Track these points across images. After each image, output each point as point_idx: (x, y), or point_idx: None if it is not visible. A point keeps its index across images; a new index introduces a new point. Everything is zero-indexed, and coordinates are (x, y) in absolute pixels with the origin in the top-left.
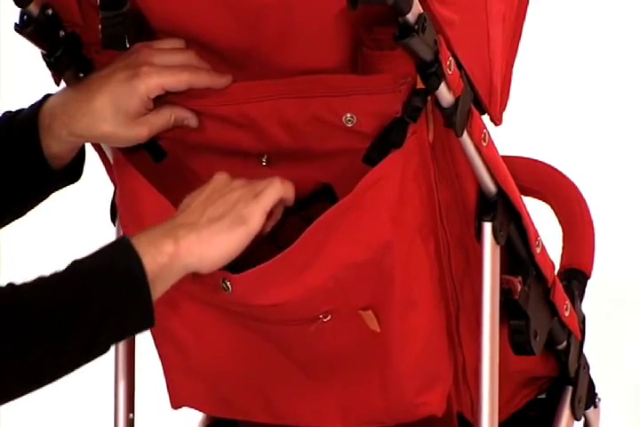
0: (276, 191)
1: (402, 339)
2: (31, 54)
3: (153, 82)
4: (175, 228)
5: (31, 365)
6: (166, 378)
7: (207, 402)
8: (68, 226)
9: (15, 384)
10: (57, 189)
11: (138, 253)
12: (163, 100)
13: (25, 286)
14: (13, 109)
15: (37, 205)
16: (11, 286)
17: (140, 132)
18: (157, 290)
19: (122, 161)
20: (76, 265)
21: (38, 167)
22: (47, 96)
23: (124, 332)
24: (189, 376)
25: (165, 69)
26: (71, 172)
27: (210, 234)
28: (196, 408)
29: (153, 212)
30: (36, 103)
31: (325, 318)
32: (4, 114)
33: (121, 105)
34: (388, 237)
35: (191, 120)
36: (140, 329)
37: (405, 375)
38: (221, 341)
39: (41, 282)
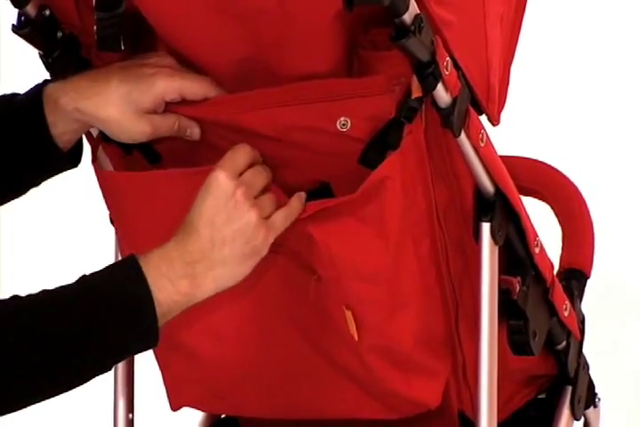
0: (287, 215)
1: (391, 338)
2: (30, 55)
3: (173, 83)
4: (191, 264)
5: (32, 389)
6: (166, 383)
7: (209, 401)
8: (68, 229)
9: (12, 403)
10: (60, 171)
11: (148, 284)
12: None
13: (32, 304)
14: None
15: (40, 183)
16: (15, 301)
17: (144, 128)
18: (166, 319)
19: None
20: (86, 290)
21: (46, 145)
22: (45, 82)
23: (129, 355)
24: (193, 379)
25: (188, 75)
26: (75, 154)
27: (225, 271)
28: (197, 408)
29: (148, 229)
30: (34, 87)
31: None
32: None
33: (134, 96)
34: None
35: (194, 130)
36: (143, 351)
37: (397, 375)
38: (241, 334)
39: (48, 302)
